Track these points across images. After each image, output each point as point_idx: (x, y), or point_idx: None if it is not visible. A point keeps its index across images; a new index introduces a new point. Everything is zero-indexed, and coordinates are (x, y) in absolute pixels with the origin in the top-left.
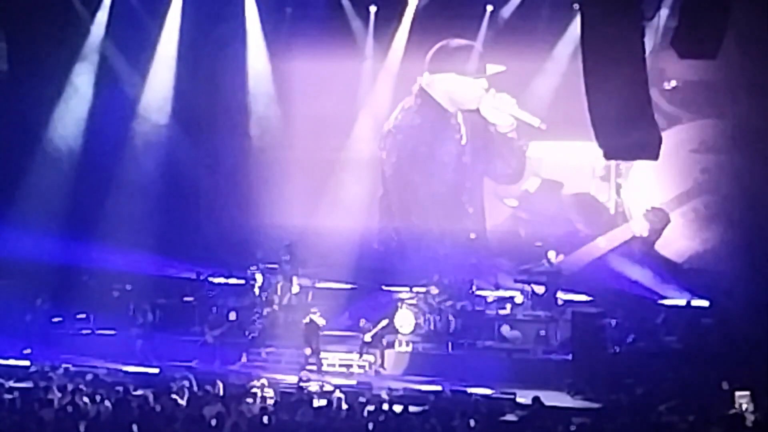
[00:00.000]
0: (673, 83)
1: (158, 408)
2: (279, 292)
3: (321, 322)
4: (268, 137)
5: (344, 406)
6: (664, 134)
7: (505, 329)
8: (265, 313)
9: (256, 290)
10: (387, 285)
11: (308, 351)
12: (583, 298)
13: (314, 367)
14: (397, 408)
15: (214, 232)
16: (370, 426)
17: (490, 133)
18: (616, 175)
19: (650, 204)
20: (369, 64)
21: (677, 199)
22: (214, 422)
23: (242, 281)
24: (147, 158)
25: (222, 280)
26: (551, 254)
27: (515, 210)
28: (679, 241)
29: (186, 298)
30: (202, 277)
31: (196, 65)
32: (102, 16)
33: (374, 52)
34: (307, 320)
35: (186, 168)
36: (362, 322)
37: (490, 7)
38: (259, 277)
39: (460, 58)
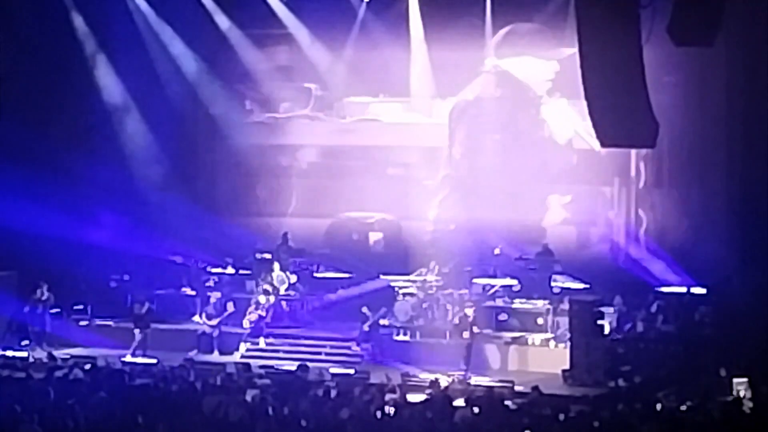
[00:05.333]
0: None
1: (158, 398)
2: (277, 282)
3: (472, 315)
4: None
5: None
6: None
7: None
8: (263, 302)
9: (254, 280)
10: (385, 274)
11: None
12: (580, 285)
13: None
14: (396, 397)
15: (213, 222)
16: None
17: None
18: None
19: None
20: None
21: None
22: (213, 412)
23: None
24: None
25: (220, 270)
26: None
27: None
28: (676, 229)
29: (184, 289)
30: (200, 266)
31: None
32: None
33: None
34: (461, 314)
35: (186, 159)
36: (365, 309)
37: None
38: (257, 267)
39: (531, 41)
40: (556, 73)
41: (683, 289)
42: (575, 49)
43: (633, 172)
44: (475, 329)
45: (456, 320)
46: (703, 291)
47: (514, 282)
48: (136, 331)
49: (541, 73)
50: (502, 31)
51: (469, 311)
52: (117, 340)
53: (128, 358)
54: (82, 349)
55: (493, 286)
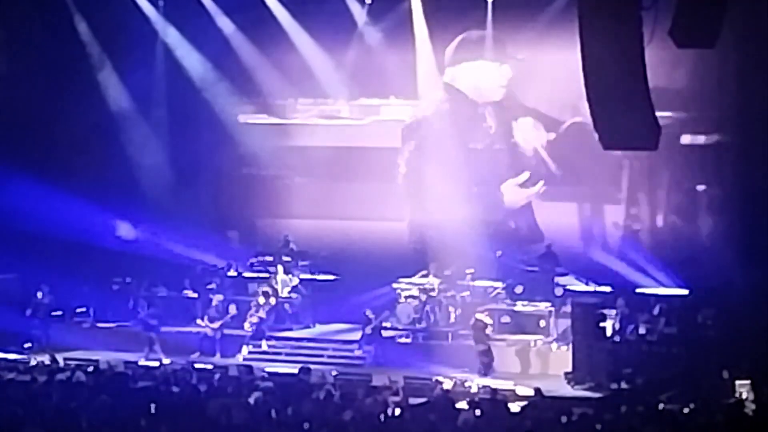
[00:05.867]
0: None
1: (160, 401)
2: (279, 285)
3: (488, 321)
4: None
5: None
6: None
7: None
8: (265, 305)
9: (256, 283)
10: (388, 277)
11: (479, 348)
12: (583, 287)
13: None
14: (398, 400)
15: (216, 224)
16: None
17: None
18: None
19: None
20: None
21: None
22: (216, 415)
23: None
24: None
25: (222, 272)
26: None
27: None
28: (679, 231)
29: (186, 291)
30: (202, 269)
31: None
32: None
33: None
34: (473, 320)
35: (189, 161)
36: (368, 312)
37: None
38: (259, 270)
39: (482, 47)
40: (509, 79)
41: (686, 292)
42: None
43: (627, 172)
44: (492, 334)
45: (472, 325)
46: (705, 294)
47: (517, 284)
48: (151, 335)
49: (494, 79)
50: (457, 39)
51: (483, 316)
52: (119, 343)
53: (142, 362)
54: (85, 351)
55: (495, 289)
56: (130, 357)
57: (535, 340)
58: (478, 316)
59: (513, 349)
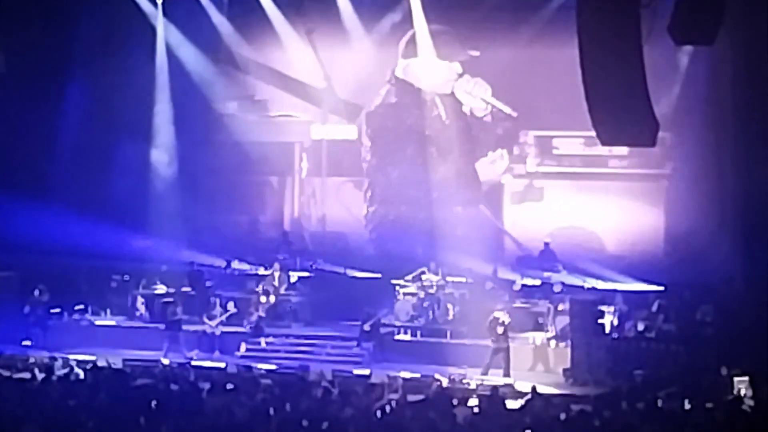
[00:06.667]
0: None
1: (159, 399)
2: (277, 282)
3: (506, 319)
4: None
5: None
6: None
7: None
8: (263, 302)
9: (255, 280)
10: (385, 274)
11: (497, 346)
12: (581, 284)
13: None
14: (397, 397)
15: (214, 221)
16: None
17: (467, 116)
18: None
19: None
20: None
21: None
22: (214, 413)
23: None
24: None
25: (220, 269)
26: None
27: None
28: (678, 228)
29: (184, 289)
30: (200, 266)
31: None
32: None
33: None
34: (491, 317)
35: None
36: (366, 310)
37: None
38: (257, 267)
39: (434, 42)
40: (458, 74)
41: (685, 289)
42: (478, 52)
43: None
44: (509, 333)
45: (489, 324)
46: (704, 290)
47: (515, 281)
48: (168, 333)
49: (443, 74)
50: (408, 35)
51: (502, 314)
52: (118, 340)
53: (129, 358)
54: (83, 349)
55: (493, 286)
56: (129, 354)
57: (534, 337)
58: (496, 314)
59: (511, 347)
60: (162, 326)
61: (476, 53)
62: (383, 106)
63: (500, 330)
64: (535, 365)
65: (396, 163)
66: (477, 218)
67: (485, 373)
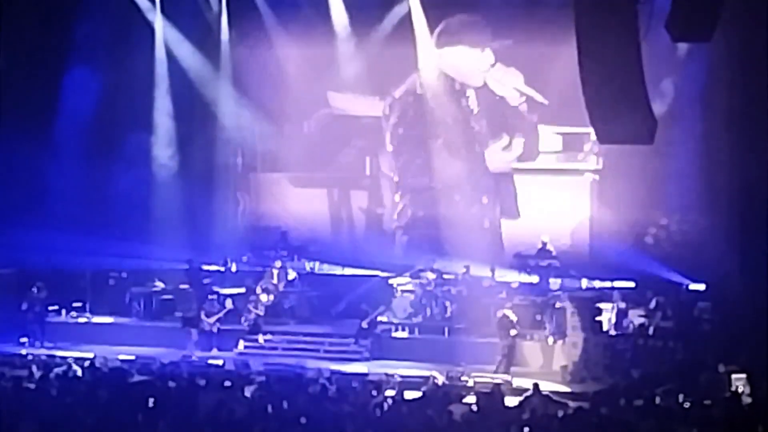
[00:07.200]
0: None
1: (157, 396)
2: (275, 279)
3: (514, 317)
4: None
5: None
6: None
7: None
8: (261, 300)
9: (253, 277)
10: (384, 270)
11: (505, 344)
12: (579, 282)
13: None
14: (394, 394)
15: (212, 219)
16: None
17: (502, 107)
18: None
19: None
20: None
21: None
22: (212, 410)
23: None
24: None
25: (218, 267)
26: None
27: None
28: (676, 225)
29: (182, 286)
30: (198, 263)
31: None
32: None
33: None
34: (500, 314)
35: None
36: (363, 307)
37: None
38: (255, 264)
39: (467, 32)
40: (490, 65)
41: (683, 286)
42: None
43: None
44: (516, 331)
45: (499, 322)
46: (702, 287)
47: (513, 278)
48: (193, 331)
49: (476, 64)
50: (440, 26)
51: (509, 312)
52: (115, 337)
53: (126, 356)
54: (81, 346)
55: (491, 283)
56: (127, 351)
57: (532, 334)
58: (505, 312)
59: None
60: (179, 324)
61: (509, 42)
62: (409, 90)
63: (511, 329)
64: (533, 362)
65: (421, 154)
66: (479, 214)
67: (506, 372)
